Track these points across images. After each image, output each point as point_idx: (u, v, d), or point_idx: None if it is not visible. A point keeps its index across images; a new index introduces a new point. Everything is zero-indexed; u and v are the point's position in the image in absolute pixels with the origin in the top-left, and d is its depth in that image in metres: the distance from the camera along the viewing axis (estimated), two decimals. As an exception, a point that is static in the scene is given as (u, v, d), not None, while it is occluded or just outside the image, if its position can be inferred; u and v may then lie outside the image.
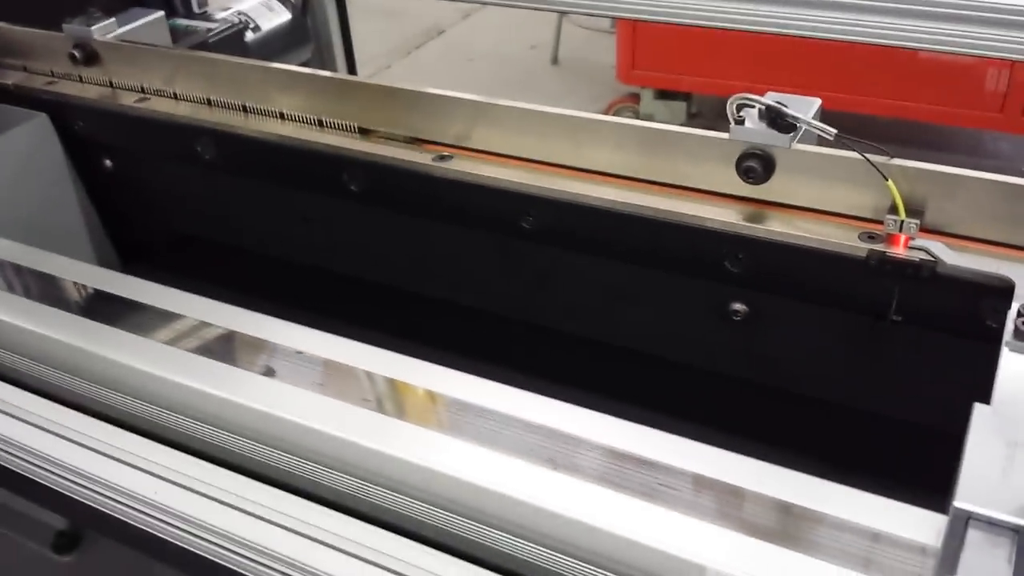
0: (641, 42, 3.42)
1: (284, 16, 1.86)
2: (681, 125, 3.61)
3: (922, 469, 0.84)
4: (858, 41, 1.56)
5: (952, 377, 0.96)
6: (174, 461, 0.90)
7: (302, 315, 1.22)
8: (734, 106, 1.10)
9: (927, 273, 1.00)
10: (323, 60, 1.96)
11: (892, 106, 3.21)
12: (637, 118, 3.66)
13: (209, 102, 1.41)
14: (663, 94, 3.58)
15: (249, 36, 1.78)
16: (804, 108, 1.09)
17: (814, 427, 1.19)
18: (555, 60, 4.38)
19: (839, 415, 1.18)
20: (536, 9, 1.76)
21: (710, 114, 3.76)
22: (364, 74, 4.10)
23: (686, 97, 3.58)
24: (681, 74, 3.46)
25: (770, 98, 1.09)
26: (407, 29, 4.70)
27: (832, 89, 3.21)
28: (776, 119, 1.05)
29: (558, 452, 0.87)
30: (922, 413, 1.10)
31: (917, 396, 1.11)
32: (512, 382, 0.98)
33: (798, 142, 1.08)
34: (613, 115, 3.82)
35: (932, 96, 3.11)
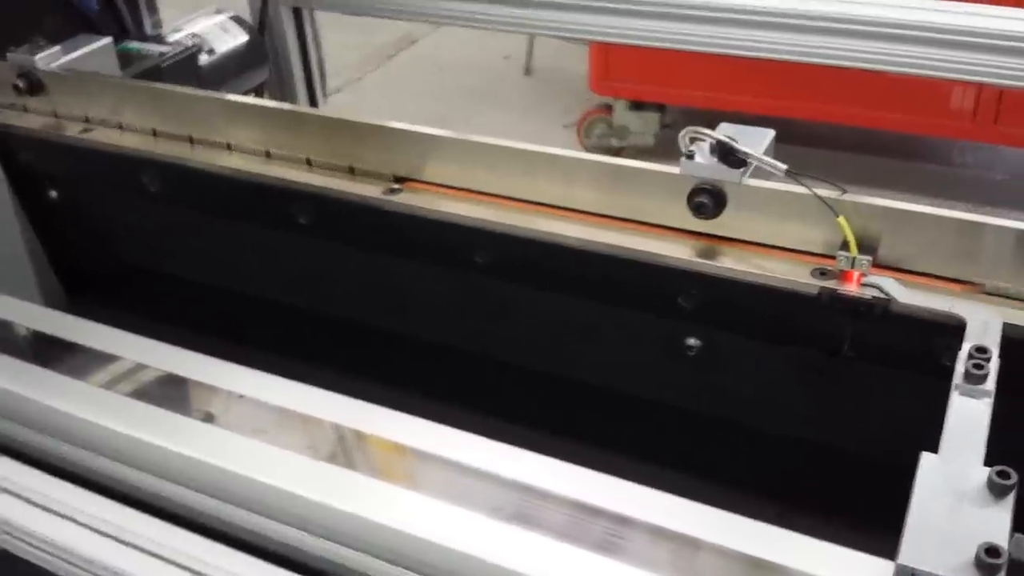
0: (614, 52, 3.40)
1: (240, 38, 1.82)
2: (654, 136, 3.60)
3: (879, 505, 0.83)
4: (824, 64, 1.57)
5: (910, 413, 0.94)
6: (108, 510, 0.87)
7: (250, 348, 1.19)
8: (686, 138, 1.08)
9: (879, 311, 0.98)
10: (282, 82, 1.93)
11: (865, 116, 3.21)
12: (611, 129, 3.67)
13: (155, 132, 1.38)
14: (636, 105, 3.56)
15: (204, 59, 1.74)
16: (756, 141, 1.07)
17: (770, 461, 1.18)
18: (528, 71, 4.36)
19: (795, 450, 1.16)
20: (506, 31, 1.77)
21: (684, 125, 3.74)
22: (335, 86, 4.08)
23: (660, 108, 3.57)
24: (654, 85, 3.45)
25: (722, 131, 1.07)
26: (379, 40, 4.67)
27: (807, 99, 3.21)
28: (727, 154, 1.03)
29: (507, 500, 0.85)
30: (879, 448, 1.09)
31: (875, 431, 1.10)
32: (464, 418, 0.96)
33: (751, 175, 1.06)
34: (586, 127, 3.81)
35: (905, 106, 3.12)
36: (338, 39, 2.34)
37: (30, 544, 0.85)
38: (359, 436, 0.95)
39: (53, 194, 1.51)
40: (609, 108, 3.61)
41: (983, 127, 3.08)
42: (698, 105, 3.57)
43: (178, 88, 1.41)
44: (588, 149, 3.70)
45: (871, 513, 0.85)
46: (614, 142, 3.66)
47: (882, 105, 3.13)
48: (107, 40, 1.53)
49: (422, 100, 4.22)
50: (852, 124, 3.32)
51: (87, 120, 1.44)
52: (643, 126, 3.57)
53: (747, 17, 1.55)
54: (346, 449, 0.97)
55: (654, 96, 3.51)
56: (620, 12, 1.61)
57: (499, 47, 4.47)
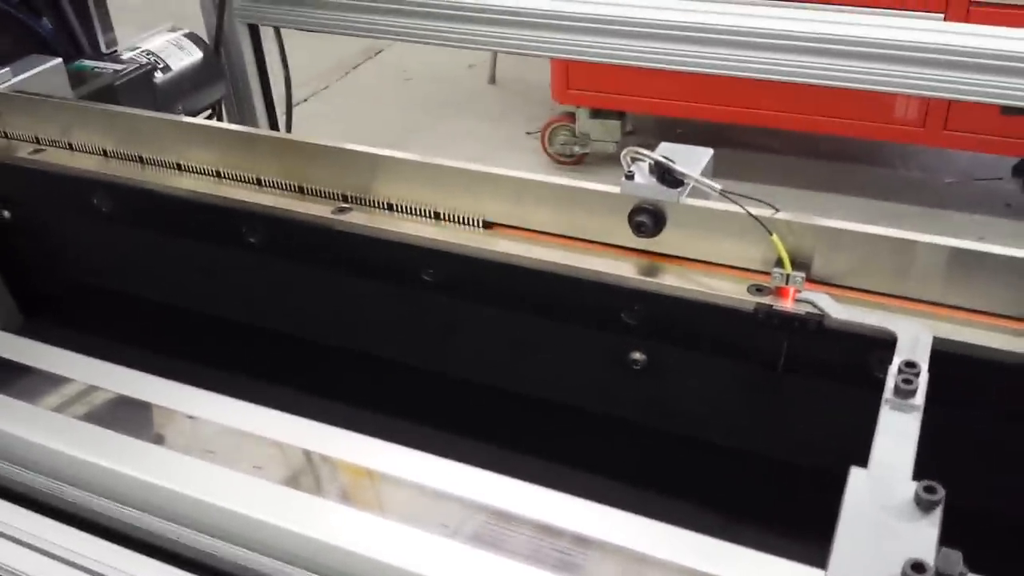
0: (574, 63, 3.43)
1: (195, 55, 1.82)
2: (616, 143, 3.65)
3: (819, 514, 0.85)
4: (770, 79, 1.61)
5: (846, 425, 0.97)
6: (64, 536, 0.87)
7: (204, 367, 1.20)
8: (627, 158, 1.10)
9: (813, 326, 1.00)
10: (239, 98, 1.93)
11: (816, 122, 3.27)
12: (573, 137, 3.71)
13: (105, 153, 1.38)
14: (598, 113, 3.61)
15: (159, 77, 1.75)
16: (694, 161, 1.10)
17: (712, 472, 1.20)
18: (492, 80, 4.38)
19: (739, 462, 1.19)
20: (466, 48, 1.79)
21: (645, 132, 3.79)
22: (300, 96, 4.07)
23: (621, 116, 3.61)
24: (615, 93, 3.49)
25: (661, 151, 1.09)
26: (344, 49, 4.66)
27: (763, 107, 3.27)
28: (664, 174, 1.06)
29: (453, 517, 0.87)
30: (818, 459, 1.11)
31: (814, 443, 1.12)
32: (415, 433, 0.98)
33: (689, 195, 1.09)
34: (550, 134, 3.85)
35: (858, 112, 3.18)
36: (302, 49, 2.35)
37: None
38: (314, 457, 0.96)
39: (6, 214, 1.50)
40: (572, 116, 3.65)
41: (933, 132, 3.14)
42: (656, 113, 3.63)
43: (127, 109, 1.41)
44: (552, 156, 3.74)
45: (811, 523, 0.87)
46: (577, 149, 3.70)
47: (833, 111, 3.20)
48: (57, 61, 1.53)
49: (388, 109, 4.23)
50: (803, 130, 3.38)
51: (37, 141, 1.44)
52: (605, 133, 3.62)
53: (697, 35, 1.58)
54: (301, 470, 0.98)
55: (613, 104, 3.56)
56: (578, 30, 1.64)
57: (464, 57, 4.50)
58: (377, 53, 4.73)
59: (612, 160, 3.55)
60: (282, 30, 1.97)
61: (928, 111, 3.11)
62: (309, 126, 3.58)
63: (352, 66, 4.66)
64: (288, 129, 2.10)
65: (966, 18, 2.87)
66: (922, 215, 3.27)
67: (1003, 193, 3.42)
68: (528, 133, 3.93)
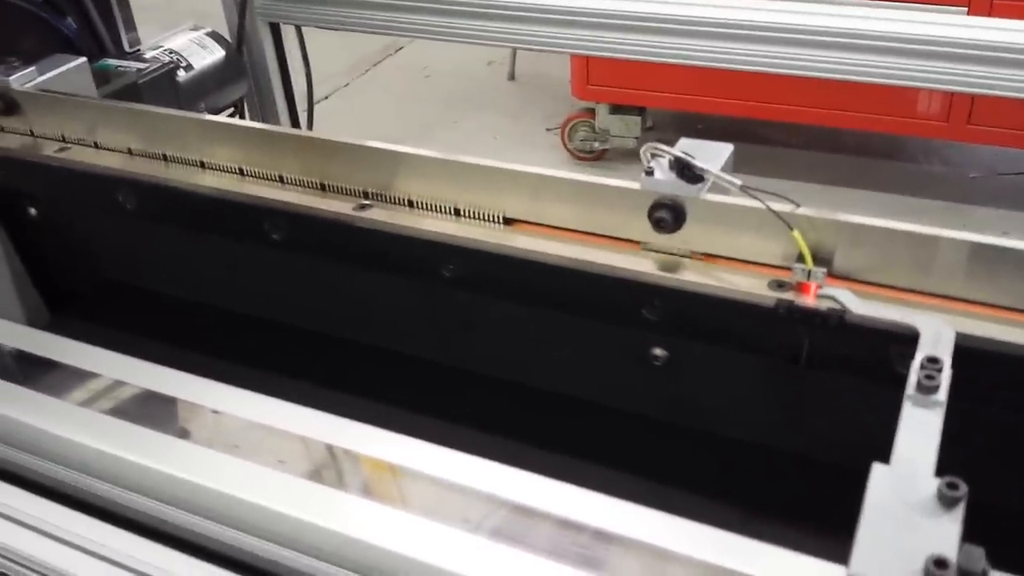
0: (594, 59, 3.44)
1: (218, 53, 1.84)
2: (636, 139, 3.65)
3: (841, 509, 0.85)
4: (789, 74, 1.60)
5: (868, 420, 0.96)
6: (94, 529, 0.89)
7: (228, 362, 1.22)
8: (647, 154, 1.10)
9: (835, 322, 1.00)
10: (261, 96, 1.95)
11: (842, 117, 3.25)
12: (593, 132, 3.71)
13: (130, 151, 1.40)
14: (618, 109, 3.60)
15: (181, 75, 1.76)
16: (714, 156, 1.09)
17: (734, 467, 1.20)
18: (512, 76, 4.38)
19: (760, 456, 1.18)
20: (488, 45, 1.80)
21: (665, 128, 3.78)
22: (321, 93, 4.10)
23: (640, 111, 3.61)
24: (635, 89, 3.49)
25: (681, 147, 1.09)
26: (365, 46, 4.69)
27: (786, 102, 3.25)
28: (684, 170, 1.06)
29: (474, 511, 0.87)
30: (840, 454, 1.11)
31: (835, 438, 1.12)
32: (436, 428, 0.98)
33: (709, 190, 1.08)
34: (570, 130, 3.86)
35: (881, 107, 3.16)
36: (324, 45, 2.36)
37: (10, 560, 0.87)
38: (337, 451, 0.97)
39: (32, 212, 1.52)
40: (592, 112, 3.65)
41: (956, 126, 3.12)
42: (676, 108, 3.62)
43: (151, 108, 1.43)
44: (572, 152, 3.74)
45: (833, 518, 0.87)
46: (597, 145, 3.69)
47: (855, 106, 3.18)
48: (81, 60, 1.54)
49: (409, 105, 4.24)
50: (825, 125, 3.36)
51: (63, 139, 1.45)
52: (625, 129, 3.61)
53: (717, 30, 1.58)
54: (325, 464, 0.98)
55: (633, 100, 3.55)
56: (598, 26, 1.64)
57: (483, 53, 4.51)
58: (397, 50, 4.75)
59: (632, 156, 3.55)
60: (303, 28, 1.99)
61: (952, 105, 3.09)
62: (330, 123, 3.61)
63: (372, 63, 4.67)
64: (309, 126, 2.12)
65: (989, 12, 2.84)
66: (946, 210, 3.25)
67: (1027, 188, 3.40)
68: (548, 129, 3.93)
